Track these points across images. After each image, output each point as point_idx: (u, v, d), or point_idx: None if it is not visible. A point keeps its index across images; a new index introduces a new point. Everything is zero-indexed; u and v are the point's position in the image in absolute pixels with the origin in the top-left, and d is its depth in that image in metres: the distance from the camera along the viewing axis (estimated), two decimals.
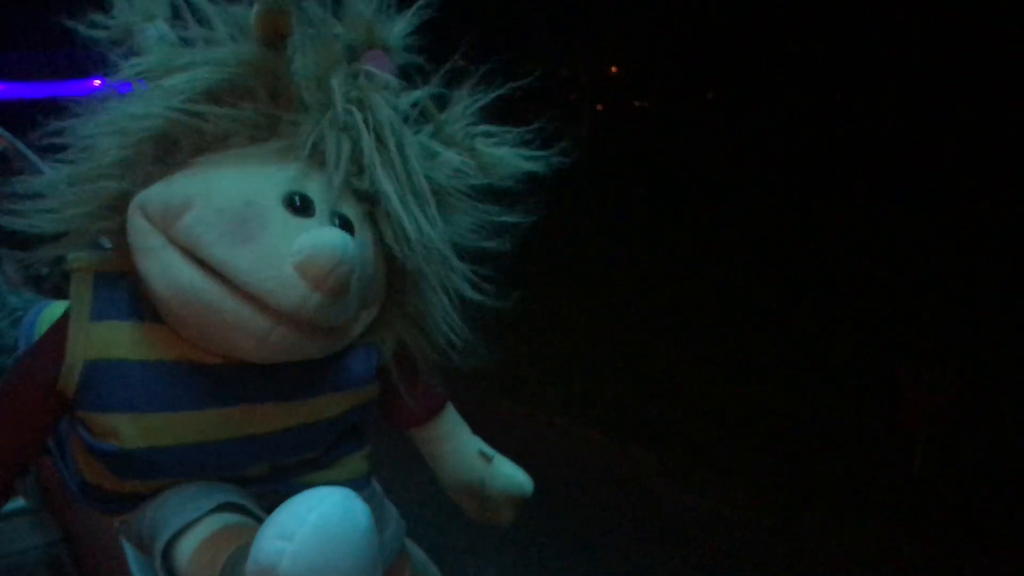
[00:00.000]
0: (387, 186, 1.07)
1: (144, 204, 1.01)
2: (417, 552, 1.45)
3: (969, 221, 7.44)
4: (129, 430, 1.04)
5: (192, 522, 1.03)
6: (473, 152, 1.20)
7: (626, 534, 3.03)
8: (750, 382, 4.52)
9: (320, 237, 0.96)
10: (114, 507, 1.16)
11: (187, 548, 1.02)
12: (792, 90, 14.52)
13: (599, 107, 18.97)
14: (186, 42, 1.09)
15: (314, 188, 1.03)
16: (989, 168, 9.23)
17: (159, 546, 1.04)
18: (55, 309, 1.44)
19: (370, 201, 1.09)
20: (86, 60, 1.13)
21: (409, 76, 1.19)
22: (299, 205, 1.00)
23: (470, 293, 1.20)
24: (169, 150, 1.04)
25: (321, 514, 0.86)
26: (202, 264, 0.97)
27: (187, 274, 0.97)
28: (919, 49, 12.20)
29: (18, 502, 1.60)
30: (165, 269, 0.99)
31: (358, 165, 1.07)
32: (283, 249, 0.95)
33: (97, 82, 1.10)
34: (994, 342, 4.80)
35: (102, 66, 1.11)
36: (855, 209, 8.55)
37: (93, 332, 1.04)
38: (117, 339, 1.04)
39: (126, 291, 1.06)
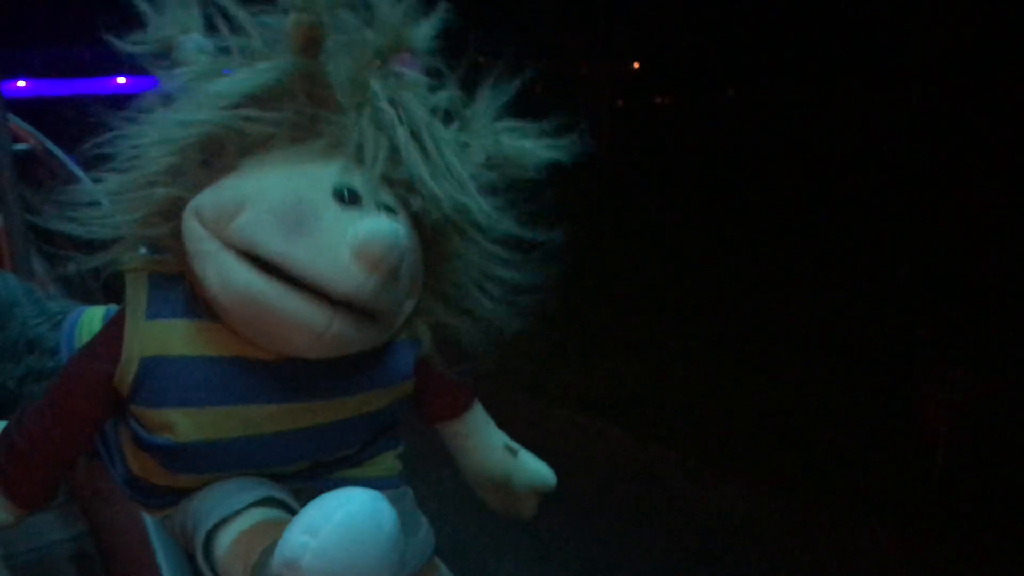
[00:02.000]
0: (422, 170, 1.12)
1: (198, 209, 1.05)
2: (443, 569, 1.47)
3: (996, 222, 7.38)
4: (184, 424, 1.07)
5: (232, 514, 1.06)
6: (499, 145, 1.24)
7: (645, 531, 3.03)
8: (772, 381, 4.51)
9: (374, 224, 1.01)
10: (160, 502, 1.19)
11: (226, 539, 1.05)
12: (813, 86, 14.45)
13: (619, 103, 18.96)
14: (223, 51, 1.12)
15: (358, 181, 1.08)
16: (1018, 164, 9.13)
17: (200, 536, 1.07)
18: (94, 313, 1.48)
19: (406, 189, 1.13)
20: (109, 58, 1.16)
21: (434, 76, 1.23)
22: (348, 198, 1.05)
23: (504, 273, 1.24)
24: (216, 154, 1.07)
25: (348, 512, 0.88)
26: (259, 264, 1.00)
27: (244, 276, 1.01)
28: (942, 43, 12.10)
29: None
30: (222, 271, 1.02)
31: (394, 158, 1.11)
32: (338, 238, 0.99)
33: (122, 79, 1.13)
34: (1018, 344, 4.76)
35: (125, 64, 1.14)
36: (881, 207, 8.50)
37: (149, 330, 1.07)
38: (172, 336, 1.07)
39: (180, 292, 1.10)
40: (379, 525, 0.90)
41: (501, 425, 1.43)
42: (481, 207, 1.17)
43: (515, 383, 4.24)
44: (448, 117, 1.22)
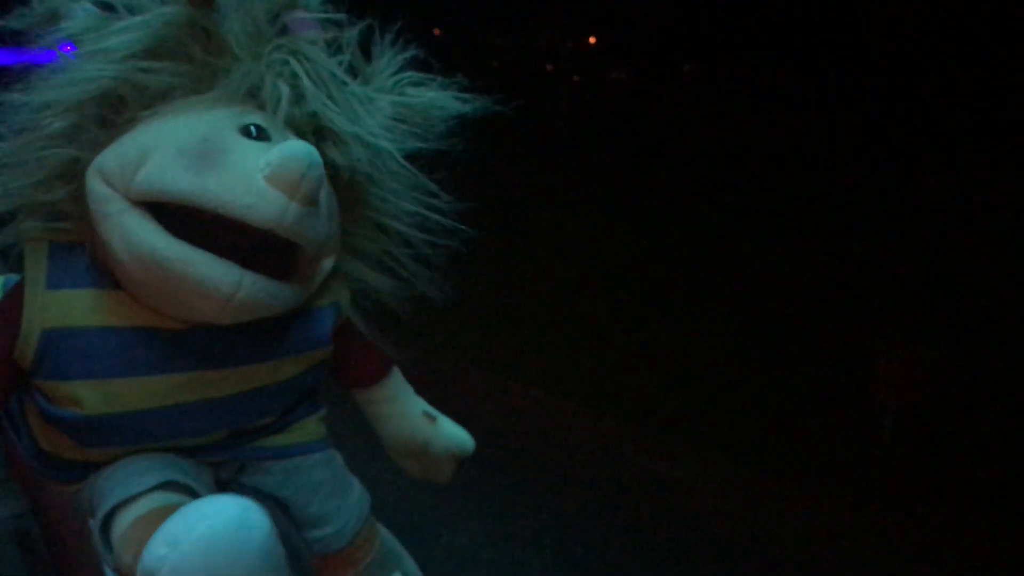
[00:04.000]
0: (330, 112, 1.11)
1: (101, 167, 1.01)
2: (384, 532, 1.46)
3: (949, 199, 7.52)
4: (91, 397, 1.03)
5: (132, 496, 1.03)
6: (404, 97, 1.24)
7: (599, 504, 3.05)
8: (724, 354, 4.56)
9: (286, 147, 0.97)
10: (71, 475, 1.15)
11: (123, 523, 1.01)
12: (771, 63, 14.57)
13: (576, 79, 18.93)
14: (114, 9, 1.09)
15: (264, 121, 1.07)
16: (972, 146, 9.32)
17: (98, 517, 1.04)
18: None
19: (315, 137, 1.12)
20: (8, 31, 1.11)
21: (331, 40, 1.23)
22: (255, 134, 1.03)
23: (421, 232, 1.25)
24: (115, 110, 1.04)
25: (211, 526, 0.85)
26: (165, 222, 0.97)
27: (149, 239, 0.97)
28: (902, 22, 12.27)
29: None
30: (126, 235, 0.98)
31: (300, 105, 1.10)
32: (251, 166, 0.96)
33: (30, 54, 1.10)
34: (969, 319, 4.87)
35: (31, 38, 1.10)
36: (835, 184, 8.62)
37: (50, 300, 1.03)
38: (75, 307, 1.03)
39: (82, 260, 1.06)
40: (247, 538, 0.87)
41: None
42: (392, 151, 1.16)
43: (468, 358, 4.22)
44: (351, 76, 1.21)
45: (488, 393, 3.80)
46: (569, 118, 13.48)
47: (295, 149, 0.97)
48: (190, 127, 1.01)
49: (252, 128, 1.03)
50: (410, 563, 1.50)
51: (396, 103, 1.23)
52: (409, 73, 1.26)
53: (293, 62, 1.10)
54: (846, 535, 3.02)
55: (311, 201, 0.99)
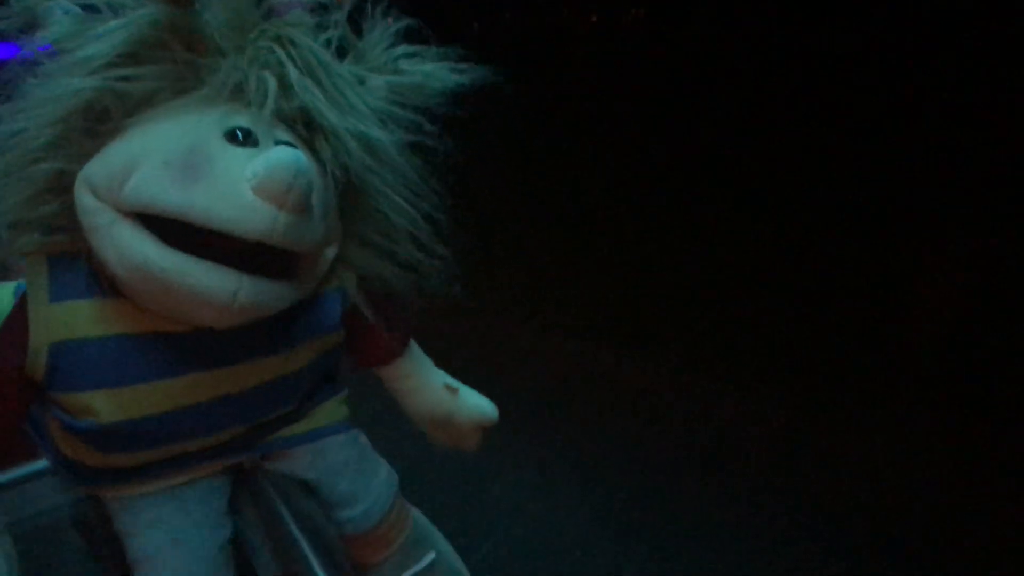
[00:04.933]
0: (320, 104, 1.07)
1: (89, 179, 1.00)
2: (417, 514, 1.48)
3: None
4: (105, 406, 1.04)
5: None
6: (399, 73, 1.20)
7: (645, 449, 3.06)
8: (762, 285, 4.51)
9: (271, 156, 0.95)
10: (98, 481, 1.18)
11: None
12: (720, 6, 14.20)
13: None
14: (93, 9, 1.06)
15: (249, 120, 1.03)
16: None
17: None
18: (4, 290, 1.43)
19: (306, 128, 1.10)
20: None
21: (319, 15, 1.19)
22: (241, 138, 1.00)
23: (427, 208, 1.22)
24: (99, 120, 1.02)
25: None
26: (158, 232, 0.96)
27: (141, 249, 0.96)
28: None
29: (43, 462, 1.62)
30: (118, 246, 0.98)
31: (287, 96, 1.07)
32: (237, 177, 0.94)
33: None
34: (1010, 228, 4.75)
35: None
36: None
37: (54, 314, 1.03)
38: (80, 318, 1.03)
39: (82, 270, 1.05)
40: None
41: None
42: (386, 139, 1.13)
43: (505, 314, 4.24)
44: (341, 54, 1.18)
45: (526, 348, 3.81)
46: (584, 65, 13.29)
47: (281, 158, 0.94)
48: (175, 135, 0.99)
49: (238, 132, 1.00)
50: (444, 543, 1.52)
51: (391, 82, 1.19)
52: (403, 46, 1.23)
53: (278, 49, 1.06)
54: (900, 454, 3.01)
55: (301, 209, 0.97)
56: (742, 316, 4.18)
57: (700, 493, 2.79)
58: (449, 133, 1.22)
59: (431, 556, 1.44)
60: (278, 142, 1.03)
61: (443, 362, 1.48)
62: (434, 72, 1.22)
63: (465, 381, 1.48)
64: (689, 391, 3.49)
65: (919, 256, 4.44)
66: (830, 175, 6.44)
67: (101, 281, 1.05)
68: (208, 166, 0.95)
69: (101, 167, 0.99)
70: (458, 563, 1.53)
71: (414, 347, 1.44)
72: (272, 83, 1.05)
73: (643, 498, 2.75)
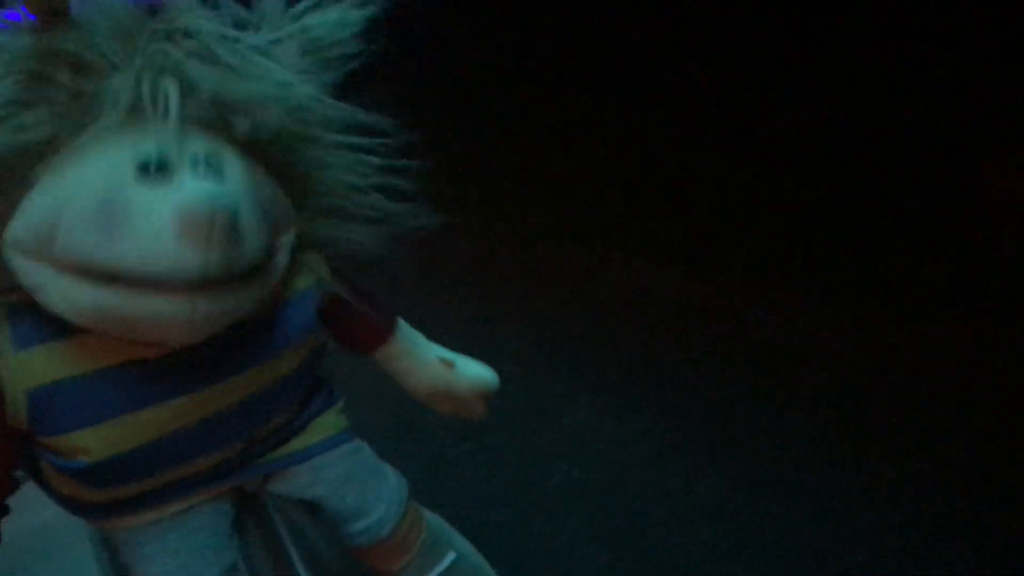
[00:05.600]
0: (230, 81, 1.02)
1: (16, 242, 0.96)
2: (431, 515, 1.48)
3: None
4: (95, 443, 1.02)
5: None
6: (306, 28, 1.14)
7: (717, 366, 3.04)
8: (824, 198, 4.38)
9: (184, 197, 0.90)
10: (100, 515, 1.16)
11: None
12: None
13: None
14: None
15: (157, 145, 0.96)
16: None
17: None
18: None
19: (228, 113, 1.03)
20: None
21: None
22: (153, 171, 0.94)
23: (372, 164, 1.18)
24: (4, 179, 0.96)
25: None
26: (99, 278, 0.92)
27: (89, 293, 0.93)
28: None
29: None
30: (66, 295, 0.94)
31: (192, 92, 1.00)
32: (158, 225, 0.89)
33: None
34: None
35: None
36: None
37: (23, 362, 0.99)
38: (51, 361, 1.00)
39: (41, 315, 1.00)
40: None
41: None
42: (313, 95, 1.09)
43: (564, 238, 4.20)
44: (242, 29, 1.11)
45: (589, 270, 3.78)
46: None
47: (191, 200, 0.89)
48: (88, 181, 0.93)
49: (151, 164, 0.94)
50: (463, 541, 1.52)
51: (302, 41, 1.13)
52: (302, 2, 1.16)
53: (171, 49, 0.99)
54: (965, 363, 2.94)
55: (228, 241, 0.92)
56: (817, 230, 4.06)
57: (769, 409, 2.77)
58: (415, 59, 1.16)
59: (452, 556, 1.43)
60: (194, 158, 0.98)
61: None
62: (340, 16, 1.15)
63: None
64: (755, 306, 3.44)
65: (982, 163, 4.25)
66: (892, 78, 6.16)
67: (63, 323, 1.00)
68: (126, 215, 0.90)
69: (24, 227, 0.95)
70: (479, 559, 1.53)
71: (403, 325, 1.42)
72: (171, 88, 0.98)
73: (713, 417, 2.74)
